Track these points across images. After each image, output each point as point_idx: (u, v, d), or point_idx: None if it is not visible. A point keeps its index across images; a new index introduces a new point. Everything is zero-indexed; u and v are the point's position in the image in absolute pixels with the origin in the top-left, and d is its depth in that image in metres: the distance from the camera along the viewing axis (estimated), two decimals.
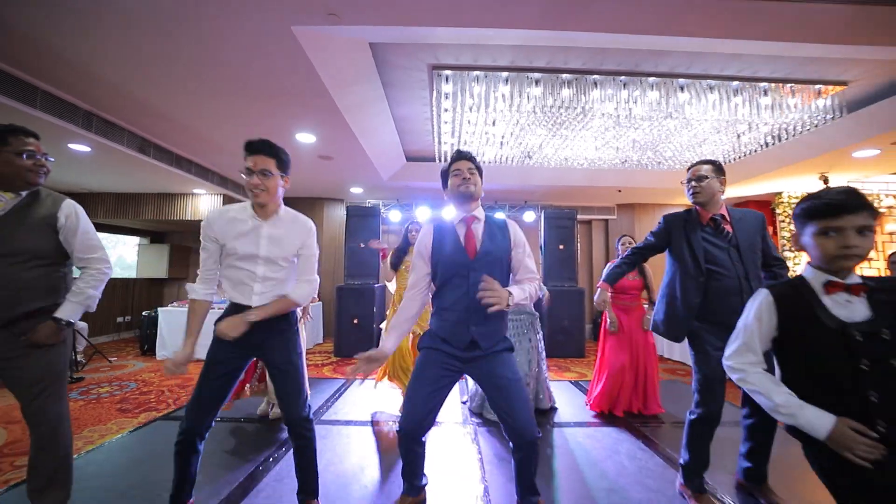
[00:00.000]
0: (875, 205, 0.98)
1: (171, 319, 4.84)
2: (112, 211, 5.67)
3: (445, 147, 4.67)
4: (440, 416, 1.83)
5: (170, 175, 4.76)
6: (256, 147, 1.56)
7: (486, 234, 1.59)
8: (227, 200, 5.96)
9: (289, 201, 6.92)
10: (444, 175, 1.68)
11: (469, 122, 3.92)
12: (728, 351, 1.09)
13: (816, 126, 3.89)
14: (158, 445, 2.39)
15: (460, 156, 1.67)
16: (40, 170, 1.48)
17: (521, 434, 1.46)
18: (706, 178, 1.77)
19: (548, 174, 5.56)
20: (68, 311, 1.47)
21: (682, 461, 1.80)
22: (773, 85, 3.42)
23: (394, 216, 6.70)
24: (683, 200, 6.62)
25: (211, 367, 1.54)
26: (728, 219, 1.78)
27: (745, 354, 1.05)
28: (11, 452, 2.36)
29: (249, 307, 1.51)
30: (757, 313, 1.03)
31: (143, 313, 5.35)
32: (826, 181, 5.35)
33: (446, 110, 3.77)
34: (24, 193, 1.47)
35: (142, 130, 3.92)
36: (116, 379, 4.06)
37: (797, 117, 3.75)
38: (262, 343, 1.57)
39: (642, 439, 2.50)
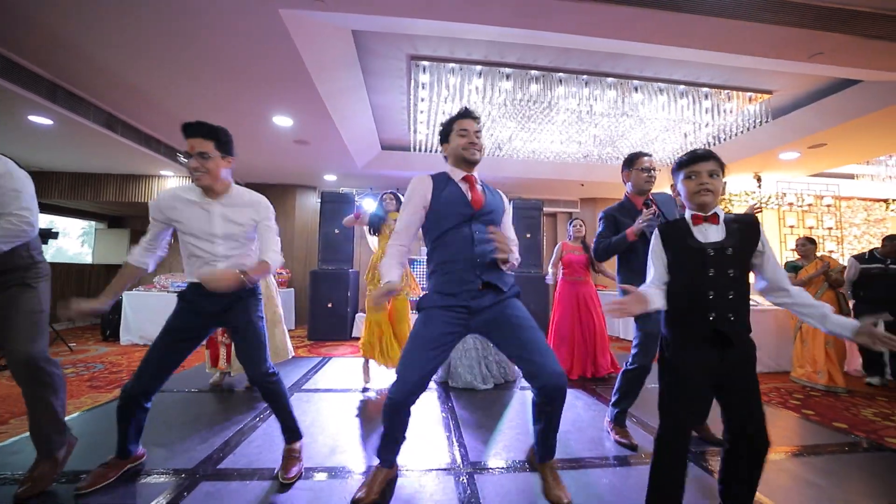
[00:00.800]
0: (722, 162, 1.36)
1: (136, 303, 4.73)
2: (69, 191, 5.39)
3: (420, 136, 4.85)
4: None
5: (135, 155, 4.63)
6: (193, 129, 1.53)
7: (488, 193, 1.61)
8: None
9: (260, 187, 6.88)
10: (446, 130, 1.62)
11: (444, 112, 4.12)
12: (647, 279, 1.39)
13: (749, 129, 4.42)
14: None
15: (468, 113, 1.59)
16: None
17: (551, 375, 1.38)
18: (656, 169, 2.11)
19: (517, 166, 5.87)
20: None
21: (612, 403, 2.14)
22: (712, 90, 3.88)
23: (367, 204, 6.79)
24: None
25: (172, 333, 1.59)
26: (654, 201, 2.12)
27: (649, 271, 1.39)
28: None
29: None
30: (653, 241, 1.39)
31: None
32: (759, 180, 6.03)
33: (423, 100, 3.95)
34: None
35: (109, 106, 3.82)
36: (80, 362, 3.95)
37: (732, 120, 4.26)
38: (228, 310, 1.61)
39: (595, 396, 2.85)
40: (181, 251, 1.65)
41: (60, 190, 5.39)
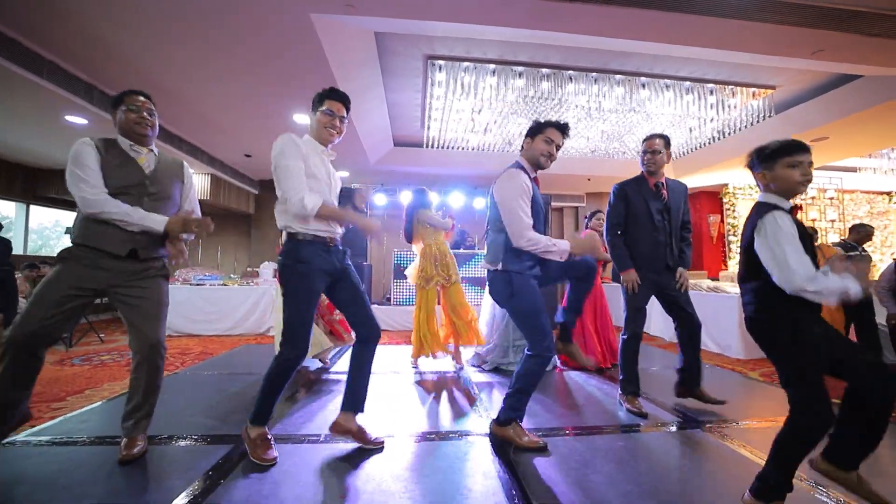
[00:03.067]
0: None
1: (176, 297, 4.91)
2: None
3: (433, 133, 5.01)
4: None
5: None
6: (340, 95, 1.72)
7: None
8: (215, 181, 6.02)
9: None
10: (536, 129, 1.77)
11: (457, 110, 4.28)
12: (804, 265, 1.22)
13: (752, 124, 4.56)
14: (187, 390, 2.63)
15: (563, 130, 1.76)
16: (143, 123, 1.64)
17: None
18: (659, 152, 2.20)
19: None
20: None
21: (620, 377, 2.32)
22: (717, 86, 4.02)
23: (378, 200, 6.96)
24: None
25: (311, 298, 1.64)
26: (665, 186, 2.25)
27: (804, 258, 1.23)
28: (41, 400, 2.53)
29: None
30: (793, 233, 1.27)
31: None
32: None
33: (437, 98, 4.11)
34: (153, 151, 1.70)
35: None
36: (114, 350, 4.15)
37: (737, 115, 4.39)
38: (345, 267, 1.76)
39: (607, 379, 3.02)
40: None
41: None
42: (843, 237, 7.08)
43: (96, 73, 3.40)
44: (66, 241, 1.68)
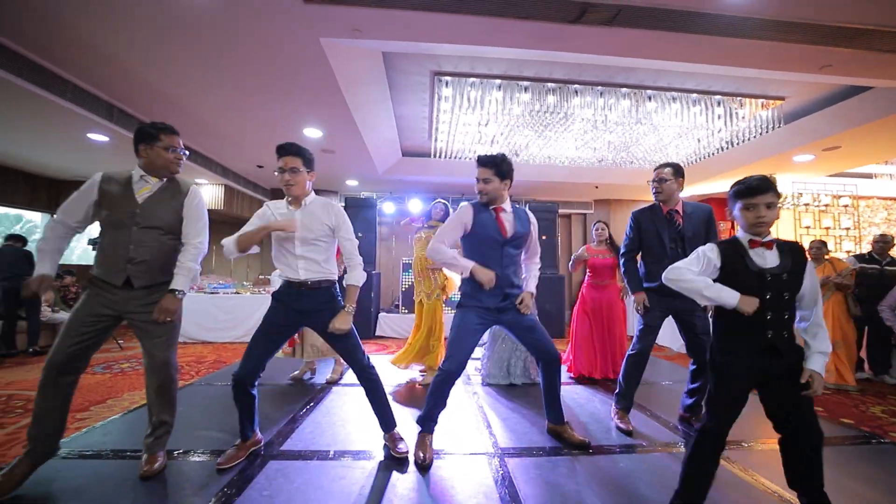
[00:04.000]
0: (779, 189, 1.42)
1: (190, 306, 5.07)
2: None
3: (441, 144, 5.08)
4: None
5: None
6: (285, 149, 1.84)
7: (516, 220, 2.01)
8: (228, 191, 6.19)
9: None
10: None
11: (464, 123, 4.34)
12: (682, 263, 1.47)
13: (761, 134, 4.52)
14: (202, 402, 2.73)
15: (479, 162, 2.02)
16: (179, 162, 1.78)
17: (549, 351, 2.00)
18: (666, 180, 2.24)
19: (532, 171, 6.05)
20: (181, 283, 1.71)
21: (616, 390, 2.38)
22: (724, 98, 4.00)
23: (387, 208, 7.06)
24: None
25: (267, 327, 1.85)
26: (681, 213, 2.26)
27: (692, 264, 1.46)
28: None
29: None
30: (708, 252, 1.46)
31: None
32: (774, 181, 6.07)
33: (444, 111, 4.18)
34: (164, 179, 1.77)
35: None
36: (133, 357, 4.30)
37: (745, 126, 4.36)
38: (318, 311, 1.86)
39: (612, 393, 3.04)
40: (273, 252, 1.90)
41: None
42: (857, 244, 6.95)
43: (114, 92, 3.55)
44: (90, 251, 1.78)
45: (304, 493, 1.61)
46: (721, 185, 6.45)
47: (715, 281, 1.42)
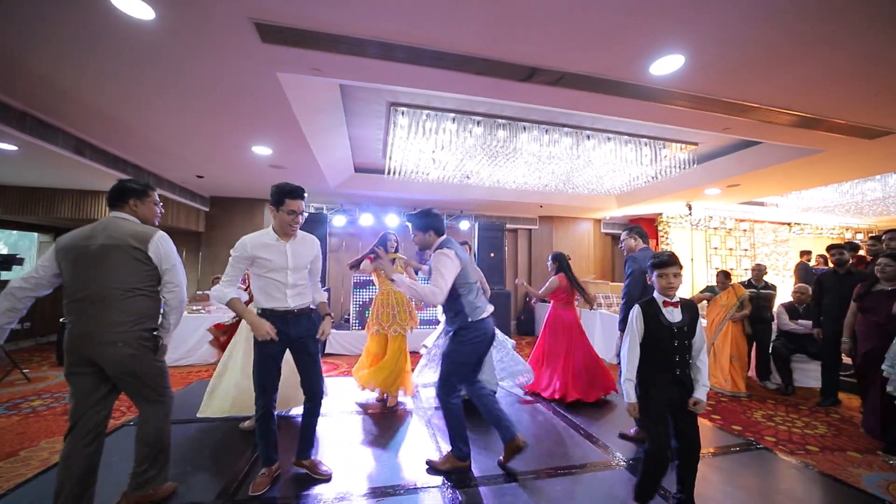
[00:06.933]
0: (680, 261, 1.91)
1: None
2: (19, 208, 5.09)
3: (394, 163, 5.13)
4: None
5: (98, 173, 4.52)
6: (299, 193, 2.05)
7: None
8: (162, 200, 5.70)
9: (228, 202, 6.87)
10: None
11: (419, 149, 4.45)
12: (624, 345, 1.91)
13: (680, 170, 5.16)
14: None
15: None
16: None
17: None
18: (624, 239, 2.77)
19: (482, 191, 6.33)
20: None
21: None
22: (650, 140, 4.53)
23: (338, 221, 6.96)
24: (592, 215, 7.93)
25: (268, 357, 2.00)
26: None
27: (631, 345, 1.87)
28: None
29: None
30: (636, 317, 1.88)
31: (63, 319, 4.96)
32: (690, 207, 6.93)
33: (400, 138, 4.25)
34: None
35: (80, 131, 3.76)
36: (44, 391, 3.84)
37: (667, 164, 4.96)
38: (302, 337, 2.10)
39: (572, 418, 3.34)
40: (254, 284, 2.02)
41: (8, 205, 5.07)
42: (754, 262, 8.12)
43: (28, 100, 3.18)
44: None
45: None
46: (650, 209, 7.22)
47: (643, 335, 1.85)
